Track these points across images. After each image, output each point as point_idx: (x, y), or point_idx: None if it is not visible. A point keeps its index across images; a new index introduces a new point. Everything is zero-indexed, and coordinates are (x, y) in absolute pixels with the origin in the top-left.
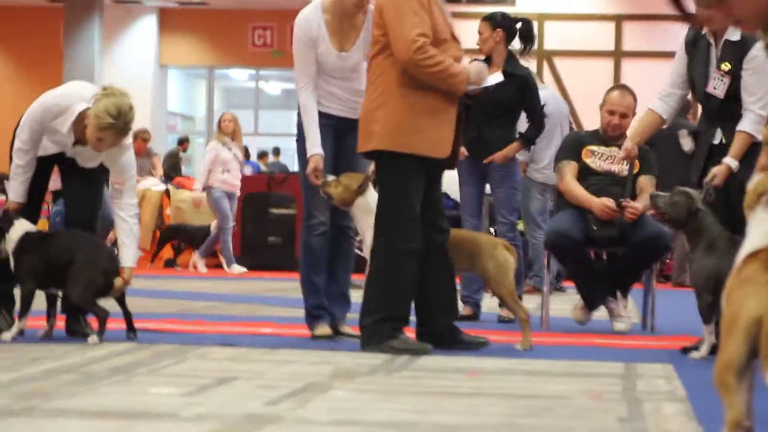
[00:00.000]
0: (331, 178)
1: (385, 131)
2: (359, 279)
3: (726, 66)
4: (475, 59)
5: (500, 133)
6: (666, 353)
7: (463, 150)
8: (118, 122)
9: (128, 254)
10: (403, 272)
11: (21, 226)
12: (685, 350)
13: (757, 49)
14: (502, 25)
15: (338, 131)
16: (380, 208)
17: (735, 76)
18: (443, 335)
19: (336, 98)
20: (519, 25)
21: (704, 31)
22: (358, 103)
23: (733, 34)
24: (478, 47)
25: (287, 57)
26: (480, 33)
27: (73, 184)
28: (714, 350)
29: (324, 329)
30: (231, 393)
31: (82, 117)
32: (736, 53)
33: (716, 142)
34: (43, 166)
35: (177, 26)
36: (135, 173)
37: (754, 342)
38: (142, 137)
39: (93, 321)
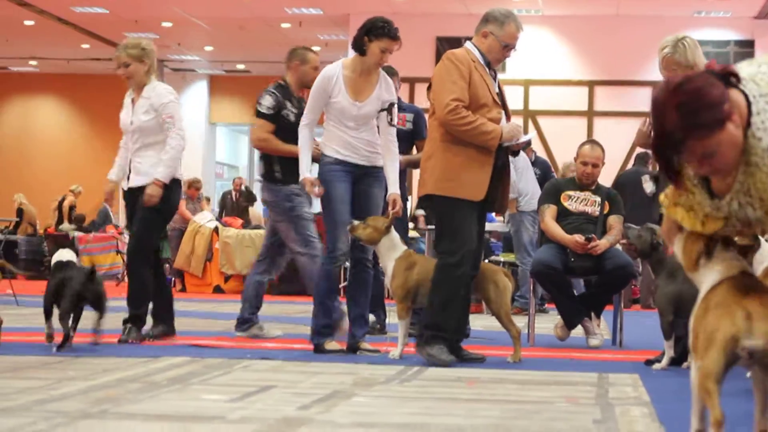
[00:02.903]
0: (357, 222)
1: (433, 179)
2: (390, 303)
3: None
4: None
5: None
6: (633, 365)
7: None
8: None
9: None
10: (449, 292)
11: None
12: (649, 362)
13: None
14: None
15: (355, 177)
16: (438, 239)
17: None
18: (450, 349)
19: (353, 148)
20: None
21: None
22: (371, 153)
23: None
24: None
25: None
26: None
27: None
28: (673, 362)
29: (334, 345)
30: (270, 399)
31: None
32: None
33: None
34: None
35: (224, 90)
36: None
37: (729, 357)
38: (195, 186)
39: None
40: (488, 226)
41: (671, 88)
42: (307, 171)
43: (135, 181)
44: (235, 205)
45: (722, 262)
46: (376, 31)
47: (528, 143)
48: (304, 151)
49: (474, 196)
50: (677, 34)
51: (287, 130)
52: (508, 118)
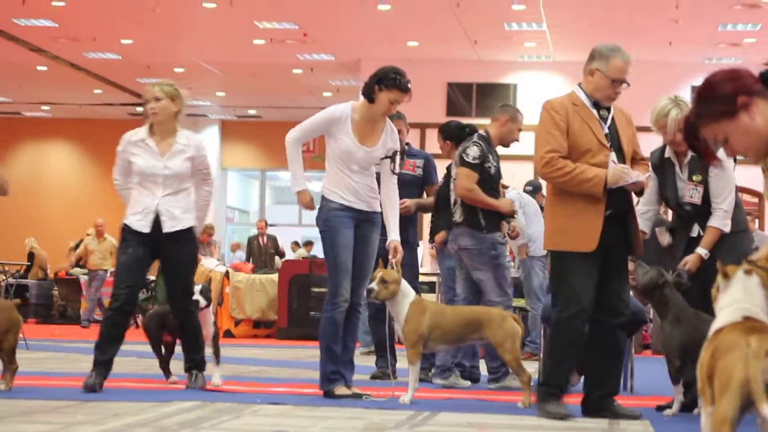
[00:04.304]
0: (376, 287)
1: (546, 233)
2: (400, 348)
3: (697, 177)
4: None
5: (441, 221)
6: (644, 410)
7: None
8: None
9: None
10: (563, 348)
11: None
12: (660, 408)
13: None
14: (448, 137)
15: (356, 222)
16: (552, 294)
17: (704, 183)
18: (599, 405)
19: (356, 193)
20: (466, 130)
21: (667, 154)
22: (372, 198)
23: None
24: None
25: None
26: (439, 141)
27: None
28: (684, 408)
29: (343, 389)
30: None
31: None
32: (701, 165)
33: (694, 235)
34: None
35: (235, 135)
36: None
37: (744, 400)
38: (208, 232)
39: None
40: None
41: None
42: (303, 184)
43: (171, 227)
44: (264, 251)
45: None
46: (387, 82)
47: (642, 182)
48: (296, 165)
49: (584, 247)
50: (665, 97)
51: (487, 182)
52: (624, 159)
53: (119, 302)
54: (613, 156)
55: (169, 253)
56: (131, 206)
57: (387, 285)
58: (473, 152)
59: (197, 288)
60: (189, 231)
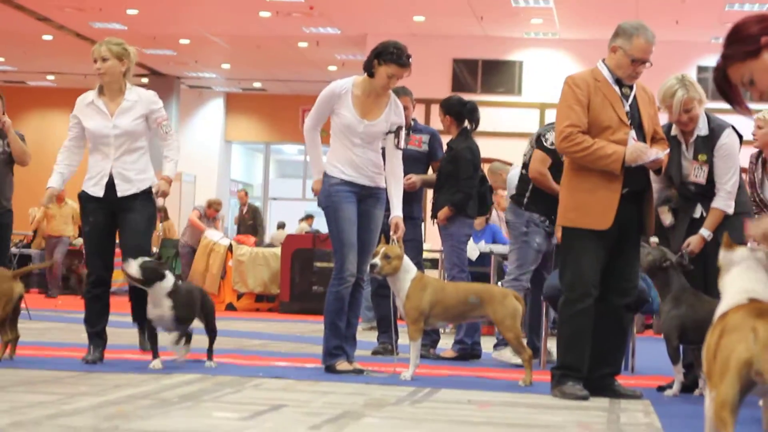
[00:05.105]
0: (380, 262)
1: (560, 209)
2: (402, 324)
3: (702, 157)
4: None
5: (443, 198)
6: (644, 390)
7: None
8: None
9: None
10: (573, 328)
11: None
12: (661, 388)
13: (723, 137)
14: (448, 111)
15: (359, 197)
16: (560, 273)
17: (710, 163)
18: (600, 384)
19: (357, 167)
20: (467, 106)
21: (673, 133)
22: (375, 173)
23: (702, 130)
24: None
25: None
26: (439, 114)
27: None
28: (684, 388)
29: (345, 365)
30: (281, 418)
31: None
32: (707, 144)
33: (697, 216)
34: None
35: (240, 108)
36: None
37: (744, 382)
38: (215, 207)
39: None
40: (501, 249)
41: None
42: (320, 172)
43: (124, 190)
44: (242, 222)
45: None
46: (386, 56)
47: (660, 160)
48: (315, 152)
49: (599, 225)
50: (672, 76)
51: (559, 167)
52: (644, 138)
53: (94, 275)
54: (633, 134)
55: (124, 217)
56: (87, 172)
57: (390, 260)
58: (552, 137)
59: (136, 261)
60: (145, 194)
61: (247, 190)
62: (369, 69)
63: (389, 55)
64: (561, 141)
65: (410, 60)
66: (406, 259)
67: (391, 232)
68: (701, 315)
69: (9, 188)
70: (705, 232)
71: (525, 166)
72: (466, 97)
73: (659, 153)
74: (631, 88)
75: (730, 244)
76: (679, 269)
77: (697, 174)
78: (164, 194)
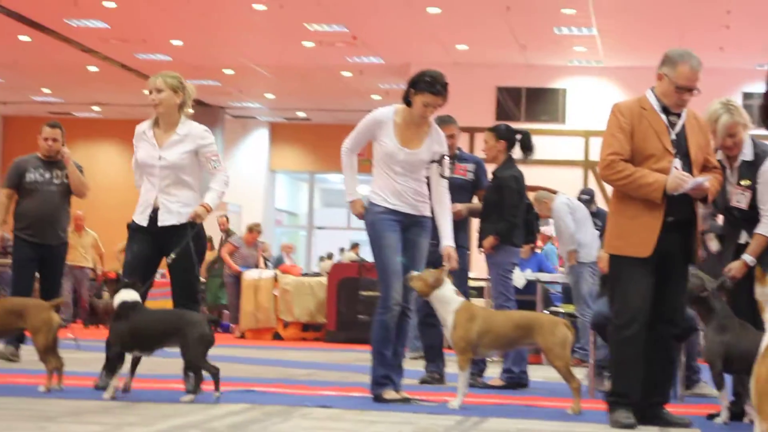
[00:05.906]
0: (414, 273)
1: (606, 237)
2: (449, 353)
3: (746, 182)
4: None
5: (488, 227)
6: (694, 418)
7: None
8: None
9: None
10: (621, 355)
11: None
12: (711, 416)
13: (766, 164)
14: (505, 136)
15: (403, 226)
16: (609, 300)
17: (753, 189)
18: (650, 413)
19: (400, 196)
20: (518, 136)
21: (718, 157)
22: (419, 201)
23: (747, 155)
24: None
25: None
26: (485, 141)
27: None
28: (733, 416)
29: (393, 394)
30: None
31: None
32: (752, 170)
33: (742, 241)
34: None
35: (284, 137)
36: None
37: None
38: (256, 230)
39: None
40: (548, 277)
41: None
42: (356, 193)
43: (164, 221)
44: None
45: None
46: (420, 85)
47: (705, 188)
48: (350, 172)
49: (640, 252)
50: (716, 101)
51: None
52: (690, 166)
53: None
54: (677, 162)
55: (168, 248)
56: (138, 202)
57: (419, 279)
58: None
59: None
60: (190, 226)
61: (294, 220)
62: (406, 98)
63: (423, 84)
64: (603, 169)
65: (446, 88)
66: (448, 289)
67: (444, 262)
68: (745, 345)
69: (66, 219)
70: (748, 257)
71: None
72: (512, 125)
73: (698, 179)
74: (679, 116)
75: (764, 279)
76: (721, 295)
77: (738, 199)
78: (197, 218)
